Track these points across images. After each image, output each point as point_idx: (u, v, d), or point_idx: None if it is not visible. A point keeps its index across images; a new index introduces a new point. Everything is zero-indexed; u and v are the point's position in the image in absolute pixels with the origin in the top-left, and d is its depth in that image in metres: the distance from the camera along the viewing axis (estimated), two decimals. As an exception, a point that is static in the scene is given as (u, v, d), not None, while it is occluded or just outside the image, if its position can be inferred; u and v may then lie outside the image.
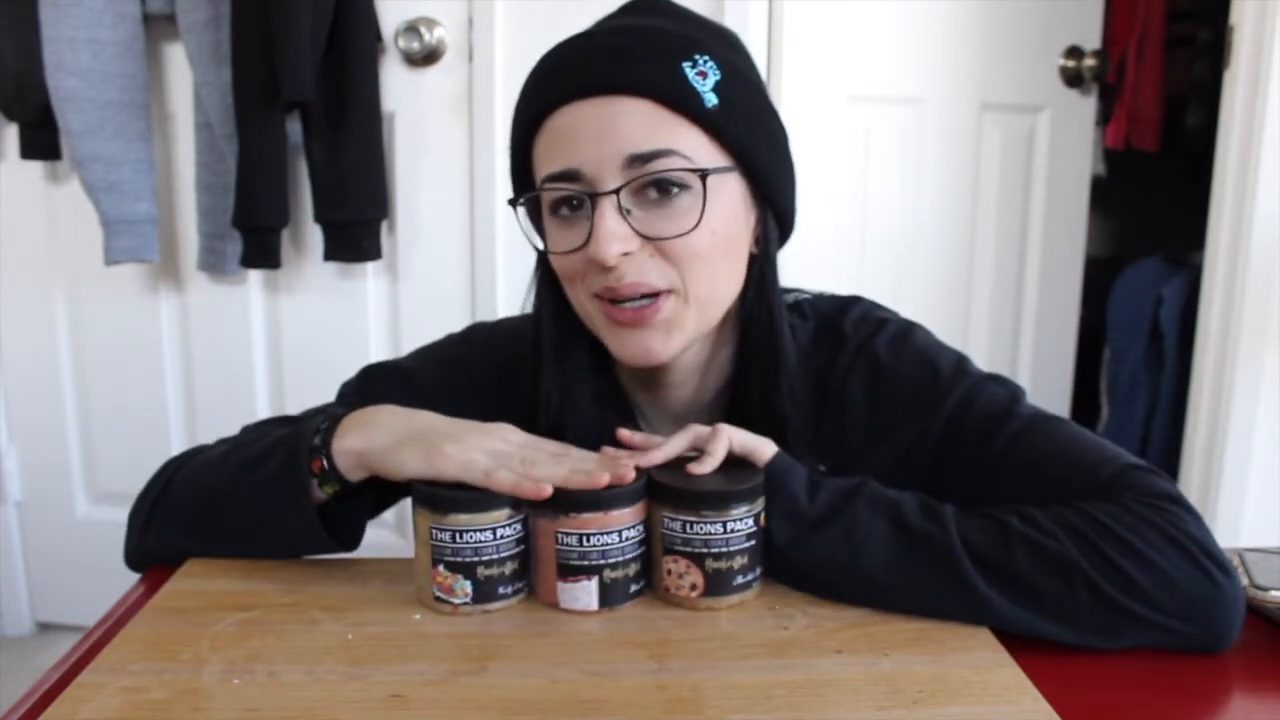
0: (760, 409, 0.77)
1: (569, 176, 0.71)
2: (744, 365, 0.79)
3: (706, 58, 0.72)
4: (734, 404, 0.80)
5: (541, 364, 0.80)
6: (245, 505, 0.73)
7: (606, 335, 0.76)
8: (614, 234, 0.70)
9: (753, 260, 0.78)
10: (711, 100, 0.71)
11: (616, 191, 0.70)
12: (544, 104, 0.73)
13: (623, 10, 0.78)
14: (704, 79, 0.71)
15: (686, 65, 0.71)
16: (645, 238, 0.71)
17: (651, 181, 0.71)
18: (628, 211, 0.71)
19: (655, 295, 0.72)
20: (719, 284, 0.76)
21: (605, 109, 0.70)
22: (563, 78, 0.72)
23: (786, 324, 0.79)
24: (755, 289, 0.78)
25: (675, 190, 0.71)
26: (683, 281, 0.73)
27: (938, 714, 0.56)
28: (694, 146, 0.71)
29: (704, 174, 0.71)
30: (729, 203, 0.74)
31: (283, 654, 0.62)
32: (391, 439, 0.70)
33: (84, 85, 1.58)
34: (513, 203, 0.78)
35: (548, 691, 0.58)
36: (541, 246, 0.77)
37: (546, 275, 0.79)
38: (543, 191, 0.74)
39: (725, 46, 0.75)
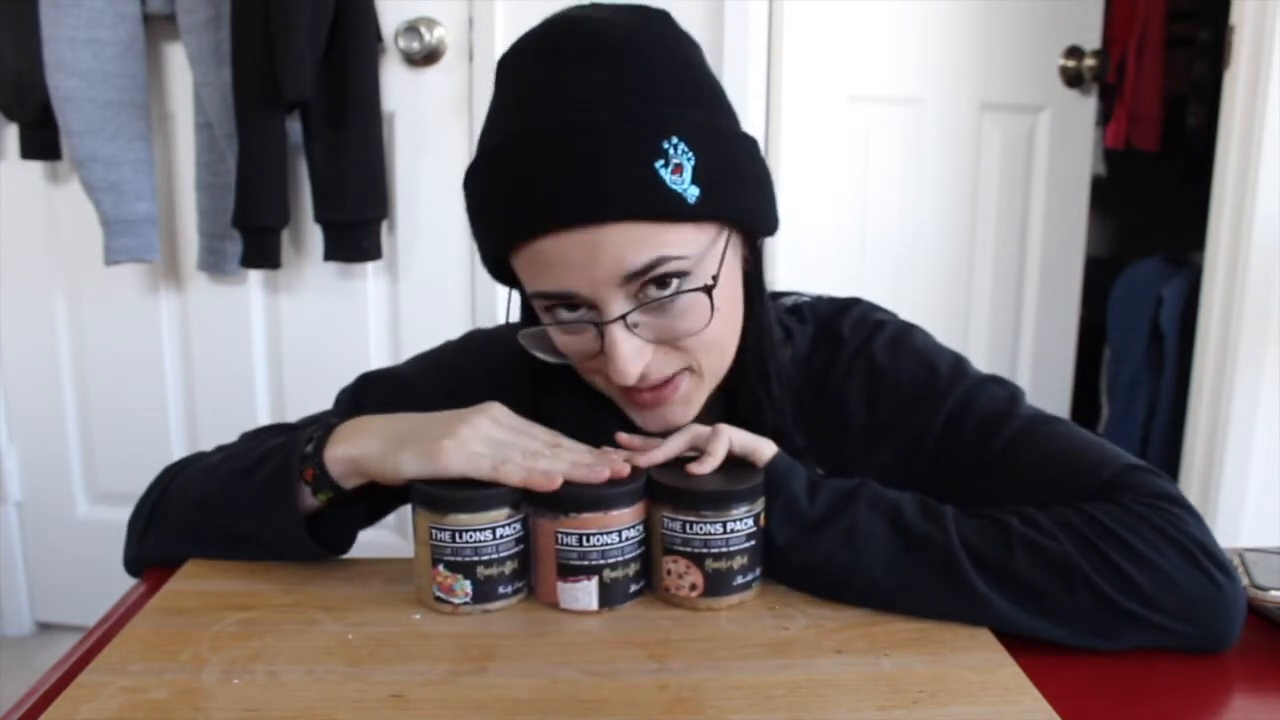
0: (750, 423, 0.77)
1: (564, 297, 0.69)
2: (736, 375, 0.79)
3: (677, 141, 0.66)
4: (727, 410, 0.80)
5: (538, 376, 0.80)
6: (237, 512, 0.74)
7: (625, 408, 0.76)
8: (631, 357, 0.69)
9: (745, 278, 0.76)
10: (693, 195, 0.66)
11: (623, 317, 0.68)
12: (516, 233, 0.68)
13: (551, 52, 0.68)
14: (680, 175, 0.66)
15: (659, 166, 0.65)
16: (657, 341, 0.70)
17: (651, 289, 0.68)
18: (635, 325, 0.69)
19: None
20: (728, 345, 0.75)
21: (586, 237, 0.66)
22: (533, 207, 0.66)
23: (775, 334, 0.79)
24: (747, 302, 0.77)
25: (674, 289, 0.69)
26: (697, 360, 0.73)
27: (938, 714, 0.56)
28: (683, 241, 0.68)
29: (710, 289, 0.69)
30: (726, 268, 0.71)
31: (283, 654, 0.62)
32: (385, 443, 0.70)
33: (84, 85, 1.58)
34: (517, 327, 0.75)
35: (548, 691, 0.58)
36: (550, 358, 0.74)
37: (533, 317, 0.77)
38: (537, 306, 0.72)
39: (680, 96, 0.68)
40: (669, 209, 0.66)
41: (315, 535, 0.73)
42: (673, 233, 0.67)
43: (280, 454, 0.72)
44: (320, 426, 0.74)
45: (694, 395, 0.74)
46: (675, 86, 0.69)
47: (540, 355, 0.75)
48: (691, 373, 0.73)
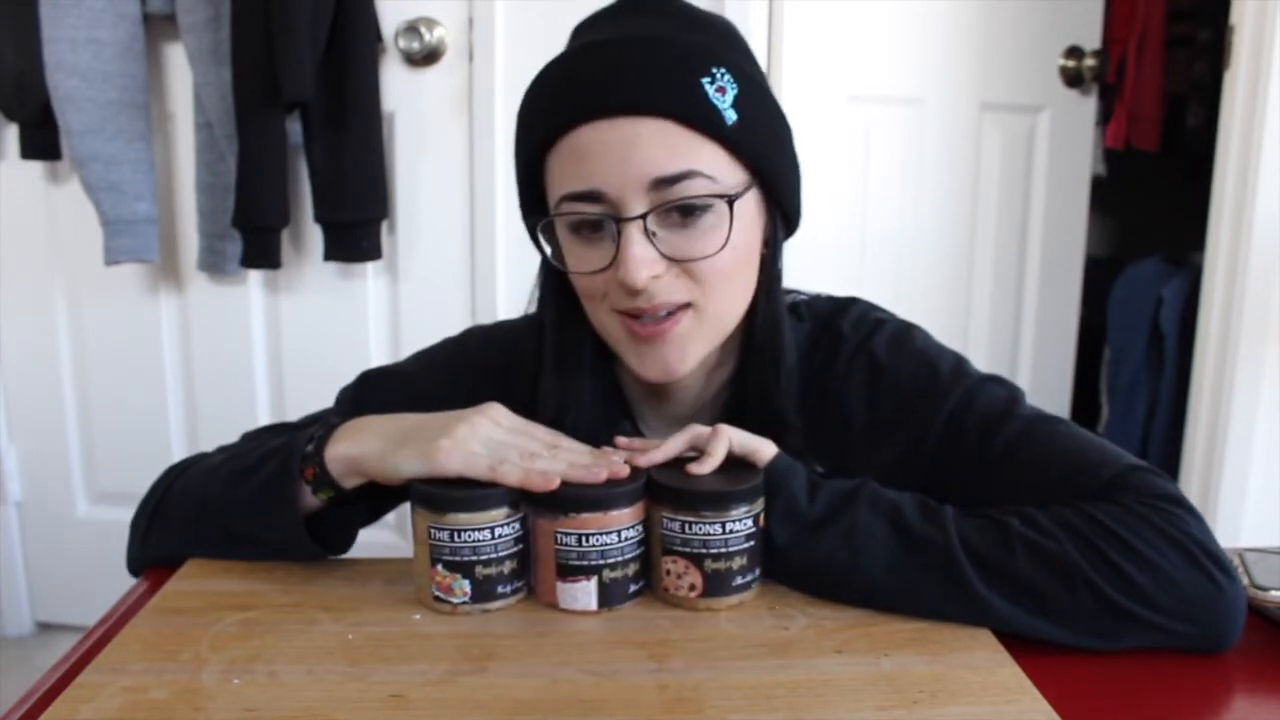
0: (759, 408, 0.77)
1: (590, 197, 0.70)
2: (745, 363, 0.80)
3: (724, 70, 0.71)
4: (733, 403, 0.80)
5: (543, 366, 0.80)
6: (237, 512, 0.74)
7: (626, 352, 0.76)
8: (642, 259, 0.70)
9: (761, 261, 0.78)
10: (731, 117, 0.70)
11: (643, 217, 0.70)
12: (560, 121, 0.71)
13: (623, 9, 0.76)
14: (723, 95, 0.70)
15: (705, 81, 0.70)
16: (670, 259, 0.71)
17: (675, 208, 0.70)
18: (653, 234, 0.70)
19: (674, 310, 0.73)
20: (736, 298, 0.76)
21: (626, 129, 0.69)
22: (580, 94, 0.70)
23: (787, 322, 0.80)
24: (764, 290, 0.78)
25: (699, 211, 0.71)
26: (703, 295, 0.73)
27: (938, 714, 0.56)
28: (715, 164, 0.71)
29: (731, 199, 0.71)
30: (747, 216, 0.74)
31: (283, 654, 0.62)
32: (385, 443, 0.70)
33: (84, 85, 1.58)
34: (532, 228, 0.76)
35: (548, 691, 0.58)
36: (559, 264, 0.76)
37: (551, 282, 0.79)
38: (562, 214, 0.73)
39: (735, 51, 0.75)
40: (707, 120, 0.70)
41: (315, 535, 0.73)
42: (707, 150, 0.70)
43: (281, 454, 0.73)
44: (321, 426, 0.74)
45: (690, 339, 0.74)
46: (735, 47, 0.75)
47: (551, 260, 0.76)
48: (694, 311, 0.74)
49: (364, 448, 0.71)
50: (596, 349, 0.80)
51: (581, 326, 0.79)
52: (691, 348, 0.75)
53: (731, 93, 0.71)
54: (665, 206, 0.70)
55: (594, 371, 0.81)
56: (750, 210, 0.74)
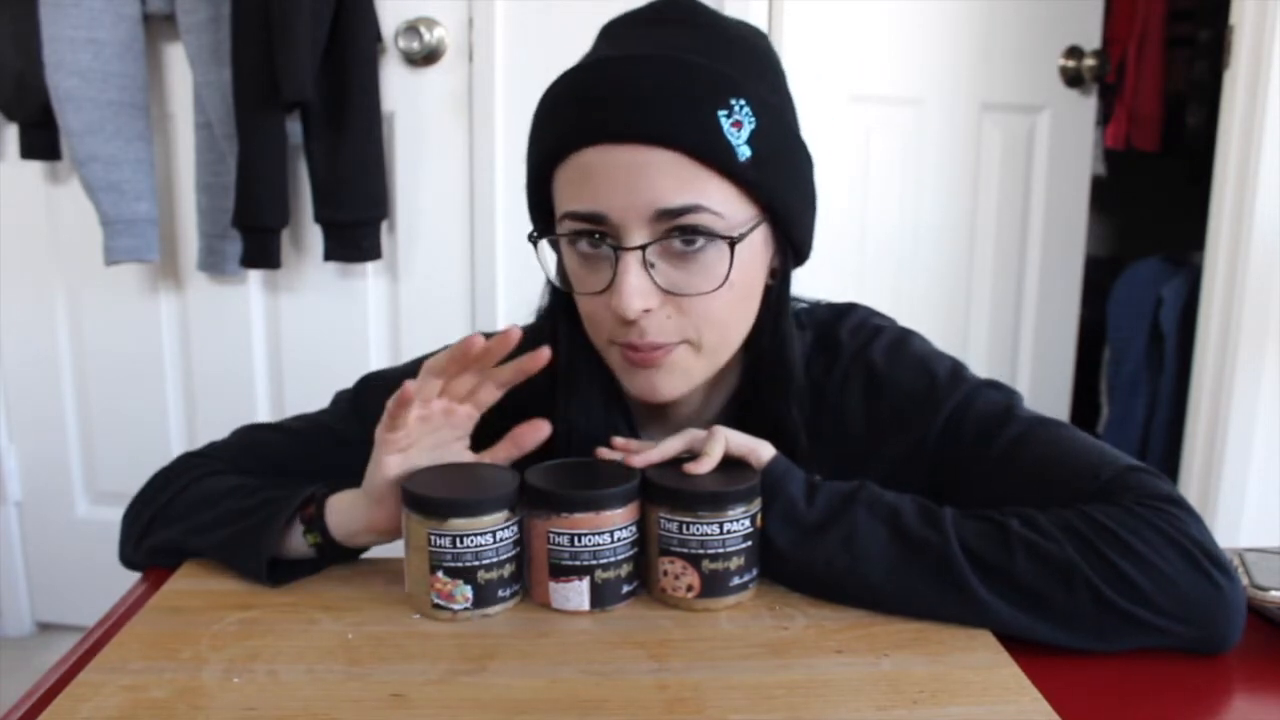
0: (770, 431, 0.76)
1: (592, 219, 0.70)
2: (753, 386, 0.79)
3: (742, 103, 0.69)
4: (734, 422, 0.79)
5: (556, 382, 0.79)
6: (218, 546, 0.75)
7: (619, 372, 0.76)
8: (637, 289, 0.69)
9: (767, 290, 0.77)
10: (744, 154, 0.68)
11: (643, 248, 0.69)
12: (569, 139, 0.70)
13: (651, 17, 0.74)
14: (738, 130, 0.68)
15: (722, 115, 0.68)
16: (667, 293, 0.70)
17: (677, 236, 0.69)
18: (651, 265, 0.69)
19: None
20: (732, 332, 0.75)
21: (635, 157, 0.67)
22: (592, 116, 0.68)
23: (796, 347, 0.79)
24: (770, 319, 0.77)
25: (700, 244, 0.70)
26: (698, 333, 0.72)
27: (938, 714, 0.56)
28: (723, 200, 0.69)
29: (733, 241, 0.70)
30: (750, 252, 0.72)
31: (283, 654, 0.62)
32: (350, 522, 0.73)
33: (84, 85, 1.58)
34: (533, 238, 0.76)
35: (548, 691, 0.58)
36: (559, 280, 0.75)
37: (557, 295, 0.78)
38: (562, 231, 0.72)
39: (760, 78, 0.72)
40: (719, 156, 0.68)
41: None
42: (714, 185, 0.69)
43: (270, 507, 0.73)
44: (322, 486, 0.75)
45: (685, 370, 0.74)
46: (759, 72, 0.73)
47: (549, 276, 0.76)
48: (690, 346, 0.73)
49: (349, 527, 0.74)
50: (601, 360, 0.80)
51: (589, 340, 0.78)
52: (684, 377, 0.74)
53: (748, 128, 0.69)
54: (665, 238, 0.69)
55: (601, 381, 0.81)
56: (755, 246, 0.73)
